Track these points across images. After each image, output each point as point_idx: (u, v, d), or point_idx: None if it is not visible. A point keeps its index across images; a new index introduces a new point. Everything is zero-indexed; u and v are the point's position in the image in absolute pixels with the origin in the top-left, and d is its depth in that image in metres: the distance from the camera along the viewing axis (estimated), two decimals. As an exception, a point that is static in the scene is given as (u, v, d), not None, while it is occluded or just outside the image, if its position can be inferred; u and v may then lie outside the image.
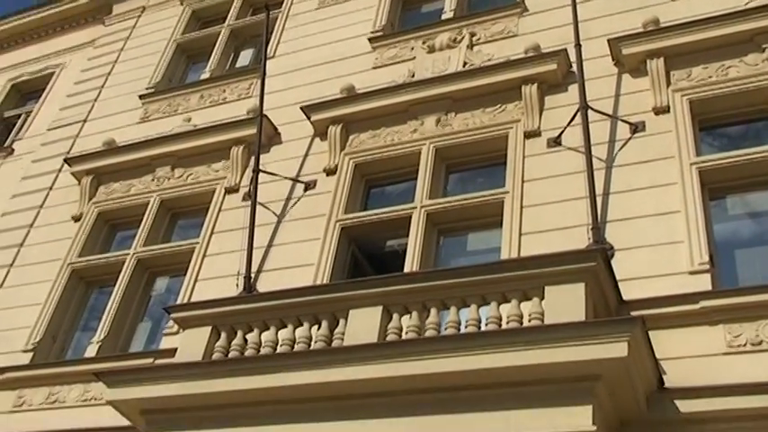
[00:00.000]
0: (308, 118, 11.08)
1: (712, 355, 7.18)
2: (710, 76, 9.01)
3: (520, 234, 8.69)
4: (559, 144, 9.24)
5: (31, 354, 10.83)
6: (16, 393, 10.45)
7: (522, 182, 9.14)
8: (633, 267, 7.86)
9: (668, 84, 9.15)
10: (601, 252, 7.16)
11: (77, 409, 9.83)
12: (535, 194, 8.96)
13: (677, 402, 6.87)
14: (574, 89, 9.30)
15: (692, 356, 7.23)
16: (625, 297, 7.57)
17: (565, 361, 6.35)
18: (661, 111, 8.99)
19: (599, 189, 8.46)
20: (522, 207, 8.93)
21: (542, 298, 6.97)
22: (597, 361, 6.31)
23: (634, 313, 6.97)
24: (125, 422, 8.38)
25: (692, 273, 7.69)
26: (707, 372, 7.05)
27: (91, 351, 10.44)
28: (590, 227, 8.14)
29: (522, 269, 7.17)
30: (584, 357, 6.31)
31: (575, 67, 9.32)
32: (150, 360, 9.40)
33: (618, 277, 7.48)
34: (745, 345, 7.12)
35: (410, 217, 9.56)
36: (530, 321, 6.88)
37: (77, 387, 10.01)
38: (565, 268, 6.96)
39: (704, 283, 7.60)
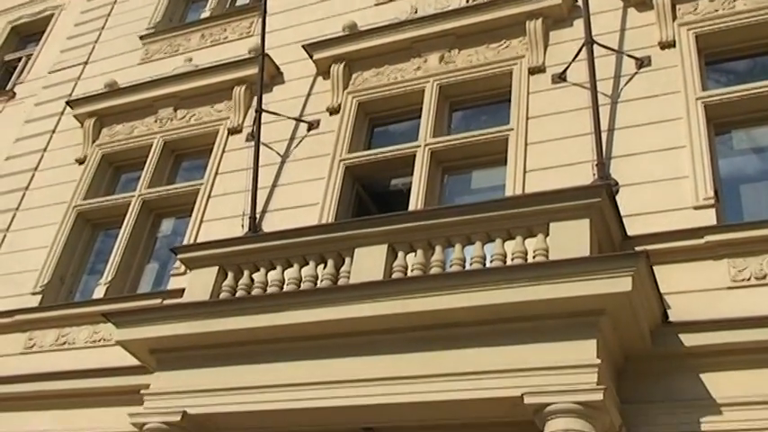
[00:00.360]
0: (311, 56, 10.98)
1: (716, 289, 7.22)
2: (717, 10, 8.89)
3: (524, 171, 8.68)
4: (564, 80, 9.16)
5: (39, 296, 10.92)
6: (26, 335, 10.56)
7: (527, 119, 9.09)
8: (638, 203, 7.86)
9: (674, 18, 9.02)
10: (605, 188, 7.14)
11: (87, 350, 9.95)
12: (540, 131, 8.92)
13: (681, 336, 6.92)
14: (579, 24, 9.20)
15: (696, 291, 7.26)
16: (630, 233, 7.58)
17: (569, 296, 6.38)
18: (667, 45, 8.89)
19: (604, 125, 8.41)
20: (526, 144, 8.90)
21: (547, 234, 6.98)
22: (601, 296, 6.34)
23: (638, 248, 6.95)
24: (134, 362, 8.49)
25: (696, 208, 7.69)
26: (711, 306, 7.08)
27: (99, 293, 10.54)
28: (595, 163, 8.12)
29: (527, 206, 7.16)
30: (589, 292, 6.34)
31: (580, 2, 9.18)
32: (158, 301, 9.47)
33: (622, 213, 7.47)
34: (749, 279, 7.15)
35: (414, 155, 9.54)
36: (534, 258, 6.91)
37: (86, 328, 10.11)
38: (569, 204, 6.96)
39: (709, 217, 7.60)
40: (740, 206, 8.12)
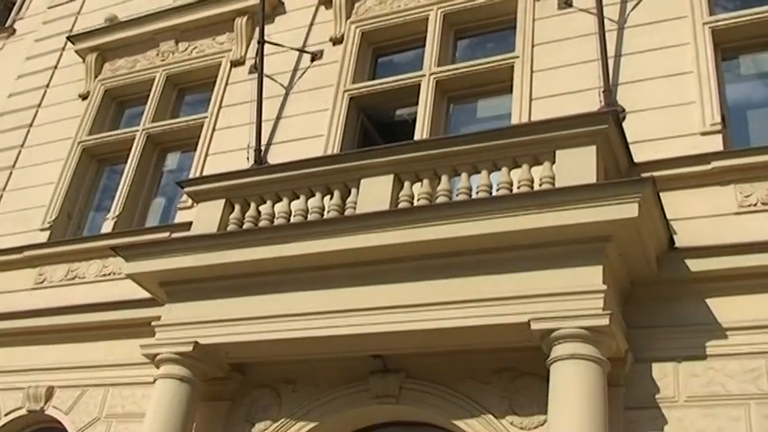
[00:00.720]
0: (312, -15, 10.84)
1: (723, 214, 7.23)
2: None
3: (530, 99, 8.62)
4: (570, 5, 9.03)
5: (48, 232, 10.99)
6: (37, 271, 10.65)
7: (533, 46, 9.00)
8: (645, 129, 7.83)
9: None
10: (612, 114, 7.09)
11: (97, 284, 10.03)
12: (545, 58, 8.84)
13: (687, 262, 6.96)
14: (584, -53, 9.03)
15: (702, 216, 7.28)
16: (636, 159, 7.57)
17: (576, 223, 6.40)
18: (673, -31, 8.74)
19: (610, 51, 8.32)
20: (532, 71, 8.82)
21: (553, 162, 6.96)
22: (608, 222, 6.36)
23: (645, 175, 6.95)
24: (145, 294, 8.58)
25: (703, 133, 7.66)
26: (717, 231, 7.10)
27: (107, 227, 10.59)
28: (601, 90, 8.06)
29: (533, 134, 7.13)
30: (596, 219, 6.35)
31: None
32: (166, 234, 9.51)
33: (629, 139, 7.45)
34: (755, 204, 7.16)
35: (419, 85, 9.47)
36: (541, 186, 6.90)
37: (96, 263, 10.18)
38: (576, 131, 6.92)
39: (716, 143, 7.57)
40: (747, 132, 8.08)
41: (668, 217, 7.04)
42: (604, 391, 6.20)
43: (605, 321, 6.18)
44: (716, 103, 7.74)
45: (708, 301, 6.85)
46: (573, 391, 6.11)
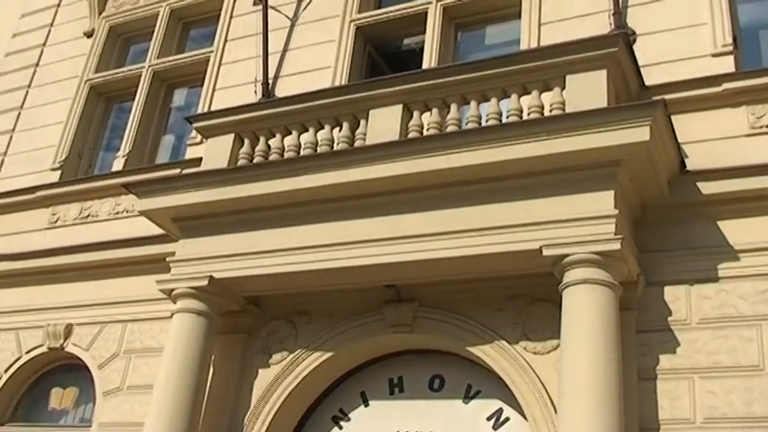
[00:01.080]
0: None
1: (735, 137, 7.19)
2: None
3: (539, 24, 8.52)
4: (578, -74, 8.84)
5: (59, 172, 11.01)
6: (50, 211, 10.72)
7: (541, -30, 8.84)
8: (655, 52, 7.74)
9: None
10: (622, 37, 6.99)
11: (110, 222, 10.10)
12: (554, -18, 8.69)
13: (699, 184, 6.94)
14: None
15: (714, 139, 7.25)
16: (647, 82, 7.50)
17: (587, 148, 6.37)
18: None
19: (620, -28, 8.18)
20: (540, -4, 8.69)
21: (563, 87, 6.91)
22: (619, 146, 6.32)
23: (656, 98, 6.88)
24: (158, 231, 8.64)
25: (714, 55, 7.57)
26: (729, 153, 7.07)
27: (117, 165, 10.61)
28: (611, 12, 7.95)
29: (542, 59, 7.05)
30: (606, 143, 6.32)
31: None
32: (177, 170, 9.52)
33: (640, 62, 7.37)
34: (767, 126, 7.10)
35: (426, 12, 9.36)
36: (551, 111, 6.86)
37: (108, 201, 10.23)
38: (586, 55, 6.85)
39: (727, 65, 7.49)
40: (759, 53, 8.00)
41: (679, 140, 7.01)
42: (617, 314, 6.25)
43: (617, 246, 6.19)
44: (727, 24, 7.63)
45: (719, 223, 6.86)
46: (585, 315, 6.16)
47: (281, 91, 9.59)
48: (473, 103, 7.26)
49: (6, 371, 9.77)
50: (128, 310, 9.19)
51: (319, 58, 9.68)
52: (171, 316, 7.87)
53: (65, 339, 9.51)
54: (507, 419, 7.22)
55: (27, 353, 9.76)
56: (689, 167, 7.06)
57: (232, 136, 8.24)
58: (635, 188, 6.77)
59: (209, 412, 7.76)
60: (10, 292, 10.21)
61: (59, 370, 9.79)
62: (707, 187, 6.92)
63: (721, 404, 6.29)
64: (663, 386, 6.49)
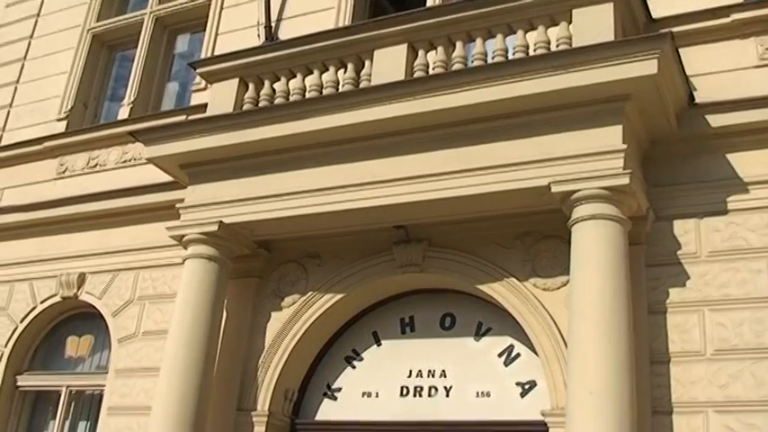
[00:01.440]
0: None
1: (743, 68, 7.12)
2: None
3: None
4: None
5: (65, 122, 10.99)
6: (57, 161, 10.73)
7: None
8: (662, -18, 7.62)
9: None
10: (629, -31, 6.90)
11: (119, 170, 10.10)
12: None
13: (708, 117, 6.89)
14: None
15: (722, 71, 7.18)
16: (654, 15, 7.40)
17: (594, 83, 6.30)
18: None
19: None
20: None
21: (570, 22, 6.81)
22: (627, 80, 6.25)
23: (663, 30, 6.79)
24: (167, 178, 8.66)
25: (723, -15, 7.46)
26: (738, 85, 7.00)
27: (123, 114, 10.59)
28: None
29: (549, -7, 6.96)
30: (614, 78, 6.25)
31: None
32: (183, 117, 9.48)
33: (647, -6, 7.28)
34: (777, 56, 7.04)
35: (429, -50, 9.22)
36: (558, 47, 6.77)
37: (116, 149, 10.23)
38: (592, -12, 6.76)
39: (736, -6, 7.38)
40: (769, -19, 7.83)
41: (687, 73, 6.95)
42: (626, 249, 6.25)
43: (626, 180, 6.17)
44: (736, -47, 7.50)
45: (728, 156, 6.82)
46: (595, 250, 6.17)
47: (285, 34, 9.49)
48: (479, 41, 7.18)
49: (22, 321, 9.89)
50: (139, 257, 9.26)
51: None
52: (182, 262, 7.91)
53: (78, 288, 9.60)
54: (518, 355, 7.30)
55: (41, 302, 9.86)
56: (697, 100, 7.00)
57: (236, 80, 8.19)
58: (643, 122, 6.72)
59: (223, 356, 7.85)
60: (22, 243, 10.28)
61: (74, 318, 9.90)
62: (716, 120, 6.87)
63: (731, 336, 6.33)
64: (673, 319, 6.53)
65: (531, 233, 7.17)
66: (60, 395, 9.49)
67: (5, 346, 9.82)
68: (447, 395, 7.46)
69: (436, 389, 7.52)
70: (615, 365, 5.79)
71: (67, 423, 9.42)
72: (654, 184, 6.91)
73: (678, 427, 6.22)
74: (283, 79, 8.04)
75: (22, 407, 9.78)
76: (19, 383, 9.76)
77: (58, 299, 9.75)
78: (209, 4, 10.61)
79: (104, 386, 9.00)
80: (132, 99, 10.60)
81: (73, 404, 9.50)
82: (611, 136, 6.35)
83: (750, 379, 6.16)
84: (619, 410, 5.68)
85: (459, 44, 7.24)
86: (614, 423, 5.64)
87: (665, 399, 6.32)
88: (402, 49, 7.41)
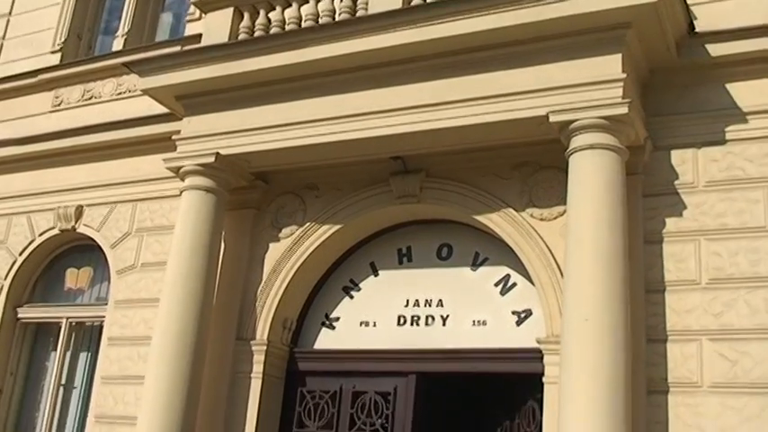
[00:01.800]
0: None
1: (744, -7, 7.03)
2: None
3: None
4: None
5: (59, 54, 10.87)
6: (53, 94, 10.64)
7: None
8: None
9: None
10: None
11: (114, 102, 10.02)
12: None
13: (707, 46, 6.82)
14: None
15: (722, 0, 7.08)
16: (656, -56, 7.27)
17: (594, 11, 6.23)
18: None
19: None
20: None
21: (570, -52, 6.71)
22: (627, 8, 6.19)
23: (665, -43, 6.70)
24: (163, 110, 8.60)
25: None
26: (738, 14, 6.91)
27: (117, 45, 10.49)
28: None
29: None
30: (614, 5, 6.18)
31: None
32: (178, 48, 9.36)
33: None
34: (778, -15, 6.93)
35: None
36: (558, -26, 6.68)
37: (111, 81, 10.14)
38: None
39: None
40: None
41: (687, 1, 6.85)
42: (623, 179, 6.26)
43: (624, 110, 6.15)
44: None
45: (728, 85, 6.77)
46: (592, 180, 6.18)
47: (280, -37, 9.33)
48: (478, -32, 7.08)
49: (21, 254, 9.93)
50: (137, 189, 9.25)
51: (318, -73, 9.40)
52: (180, 194, 7.92)
53: (76, 221, 9.62)
54: (515, 285, 7.35)
55: (40, 235, 9.90)
56: (697, 29, 6.92)
57: (231, 10, 8.09)
58: (643, 51, 6.66)
59: (222, 286, 7.91)
60: (19, 177, 10.26)
61: (73, 251, 9.95)
62: (715, 49, 6.80)
63: (727, 265, 6.37)
64: (669, 249, 6.57)
65: (529, 163, 7.17)
66: (61, 327, 9.59)
67: (5, 278, 9.89)
68: (444, 324, 7.53)
69: (433, 318, 7.59)
70: (611, 294, 5.85)
71: (68, 354, 9.54)
72: (652, 113, 6.88)
73: (672, 354, 6.30)
74: (279, 8, 7.95)
75: (24, 338, 9.88)
76: (20, 315, 9.85)
77: (56, 231, 9.78)
78: (204, -67, 10.40)
79: (104, 317, 9.09)
80: (126, 30, 10.49)
81: (74, 335, 9.60)
82: (610, 65, 6.31)
83: (744, 307, 6.22)
84: (613, 338, 5.75)
85: (457, -29, 7.13)
86: (609, 350, 5.71)
87: (660, 327, 6.39)
88: (399, -24, 7.30)
